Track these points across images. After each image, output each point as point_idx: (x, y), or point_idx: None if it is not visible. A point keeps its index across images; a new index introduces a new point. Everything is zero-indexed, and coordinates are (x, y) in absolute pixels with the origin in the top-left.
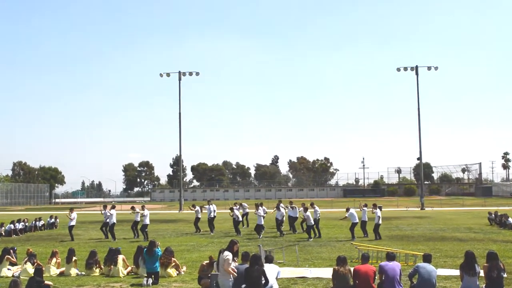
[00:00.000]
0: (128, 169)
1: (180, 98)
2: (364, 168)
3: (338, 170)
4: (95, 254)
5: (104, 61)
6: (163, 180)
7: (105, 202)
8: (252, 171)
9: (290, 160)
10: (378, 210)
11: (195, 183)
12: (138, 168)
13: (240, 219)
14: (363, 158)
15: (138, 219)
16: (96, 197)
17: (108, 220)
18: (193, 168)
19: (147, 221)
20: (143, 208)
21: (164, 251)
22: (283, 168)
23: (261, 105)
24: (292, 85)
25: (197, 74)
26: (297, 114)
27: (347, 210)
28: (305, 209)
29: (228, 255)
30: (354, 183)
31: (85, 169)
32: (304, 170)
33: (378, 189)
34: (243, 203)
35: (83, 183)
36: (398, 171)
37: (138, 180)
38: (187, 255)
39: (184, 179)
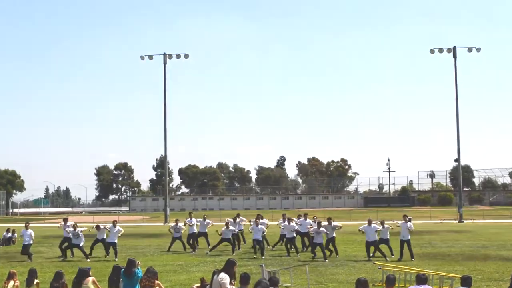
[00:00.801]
0: (101, 173)
1: (166, 87)
2: (389, 171)
3: (357, 174)
4: (61, 276)
5: (72, 43)
6: (145, 186)
7: (74, 213)
8: (253, 175)
9: (299, 162)
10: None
11: (184, 189)
12: (114, 171)
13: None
14: (388, 160)
15: (104, 236)
16: (63, 206)
17: (73, 239)
18: (181, 172)
19: (115, 239)
20: (114, 225)
21: (145, 272)
22: (291, 171)
23: (264, 97)
24: (302, 73)
25: (186, 56)
26: (308, 106)
27: (369, 223)
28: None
29: (224, 278)
30: (377, 190)
31: (50, 172)
32: (317, 174)
33: (406, 197)
34: (241, 218)
35: (47, 189)
36: (431, 175)
37: (114, 185)
38: (174, 276)
39: (170, 185)
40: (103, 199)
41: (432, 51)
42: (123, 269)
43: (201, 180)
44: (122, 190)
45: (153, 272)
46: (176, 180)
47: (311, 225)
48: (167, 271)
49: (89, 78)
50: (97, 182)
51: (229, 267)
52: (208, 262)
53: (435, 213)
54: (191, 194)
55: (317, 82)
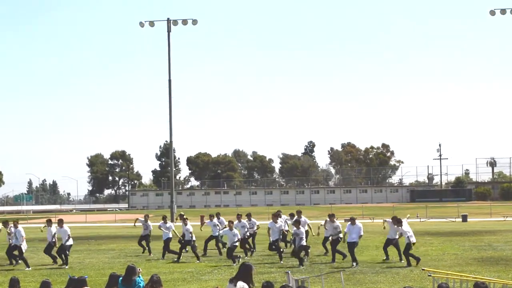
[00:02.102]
0: (95, 163)
1: (170, 60)
2: (440, 159)
3: (402, 162)
4: (48, 286)
5: (59, 8)
6: (147, 179)
7: (62, 211)
8: (277, 165)
9: (331, 149)
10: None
11: (193, 182)
12: (110, 161)
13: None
14: (440, 145)
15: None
16: (49, 203)
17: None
18: (190, 161)
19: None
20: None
21: (148, 280)
22: (322, 160)
23: (289, 70)
24: (334, 41)
25: (194, 22)
26: (342, 82)
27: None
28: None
29: (243, 287)
30: (427, 181)
31: (33, 163)
32: (353, 163)
33: (461, 190)
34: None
35: (29, 183)
36: (492, 163)
37: (110, 178)
38: (183, 286)
39: (177, 177)
40: (97, 195)
41: (492, 13)
42: (121, 278)
43: (214, 171)
44: (120, 183)
45: (157, 281)
46: (184, 171)
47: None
48: (174, 279)
49: (77, 49)
50: (89, 174)
51: (245, 272)
52: (223, 269)
53: (497, 209)
54: (202, 188)
55: (353, 53)
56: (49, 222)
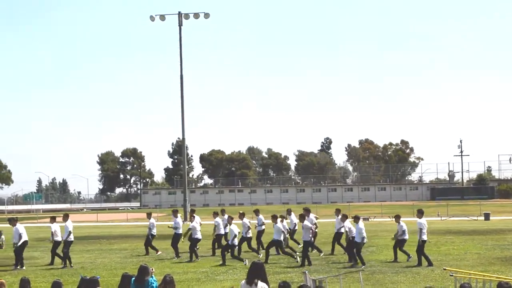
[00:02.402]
0: (105, 161)
1: (182, 55)
2: (462, 156)
3: (422, 159)
4: (60, 286)
5: (68, 3)
6: (159, 177)
7: (73, 210)
8: (292, 162)
9: (349, 145)
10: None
11: (207, 180)
12: (121, 159)
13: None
14: (461, 142)
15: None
16: (59, 202)
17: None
18: (203, 158)
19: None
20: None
21: (161, 281)
22: (339, 157)
23: (304, 65)
24: (350, 36)
25: (206, 16)
26: (359, 77)
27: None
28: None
29: (264, 287)
30: (447, 178)
31: (42, 161)
32: (371, 160)
33: (483, 187)
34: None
35: (39, 182)
36: None
37: (122, 176)
38: (197, 286)
39: (190, 175)
40: (109, 193)
41: None
42: (134, 278)
43: (228, 169)
44: (131, 181)
45: (170, 281)
46: (197, 169)
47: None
48: (188, 279)
49: (86, 44)
50: (100, 172)
51: (258, 271)
52: (238, 269)
53: None
54: (215, 186)
55: (369, 46)
56: (52, 219)
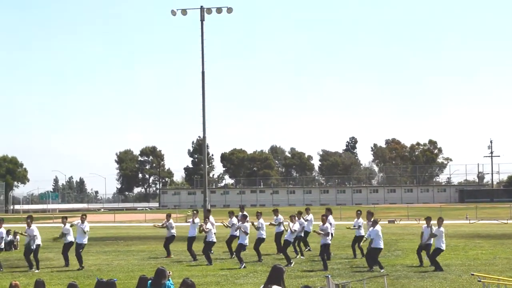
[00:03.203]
0: (124, 159)
1: (203, 50)
2: (492, 156)
3: (450, 160)
4: None
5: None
6: (178, 176)
7: (90, 210)
8: (316, 162)
9: (374, 145)
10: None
11: (228, 180)
12: (140, 158)
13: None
14: (491, 142)
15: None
16: (76, 202)
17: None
18: (224, 158)
19: (38, 242)
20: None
21: (181, 284)
22: (364, 157)
23: (329, 63)
24: (378, 35)
25: (229, 10)
26: (385, 75)
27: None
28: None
29: None
30: (477, 180)
31: (59, 160)
32: (397, 160)
33: None
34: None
35: (55, 181)
36: None
37: (140, 175)
38: None
39: (211, 175)
40: (127, 193)
41: None
42: (150, 281)
43: (250, 169)
44: (150, 181)
45: (190, 284)
46: (218, 168)
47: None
48: (207, 283)
49: (105, 41)
50: (118, 171)
51: (278, 276)
52: (259, 273)
53: None
54: (237, 186)
55: (397, 45)
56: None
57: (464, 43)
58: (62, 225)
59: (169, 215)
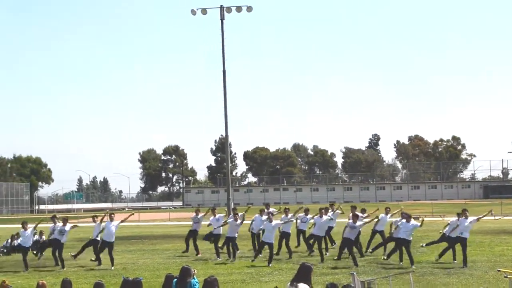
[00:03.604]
0: (147, 159)
1: (224, 49)
2: None
3: (474, 156)
4: None
5: None
6: (202, 175)
7: (114, 209)
8: (339, 159)
9: (398, 142)
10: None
11: (251, 178)
12: (163, 157)
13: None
14: None
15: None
16: (100, 202)
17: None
18: (247, 156)
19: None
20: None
21: (204, 283)
22: (388, 153)
23: (351, 60)
24: (398, 32)
25: (249, 9)
26: (408, 71)
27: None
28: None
29: None
30: (501, 176)
31: (83, 160)
32: (421, 157)
33: None
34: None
35: (80, 180)
36: None
37: (164, 175)
38: None
39: (234, 173)
40: (150, 192)
41: None
42: (175, 280)
43: (273, 167)
44: (174, 180)
45: (210, 282)
46: (241, 166)
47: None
48: (233, 281)
49: (126, 41)
50: (141, 170)
51: (305, 273)
52: (284, 270)
53: None
54: (260, 184)
55: (419, 41)
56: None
57: (488, 37)
58: (52, 224)
59: (198, 210)
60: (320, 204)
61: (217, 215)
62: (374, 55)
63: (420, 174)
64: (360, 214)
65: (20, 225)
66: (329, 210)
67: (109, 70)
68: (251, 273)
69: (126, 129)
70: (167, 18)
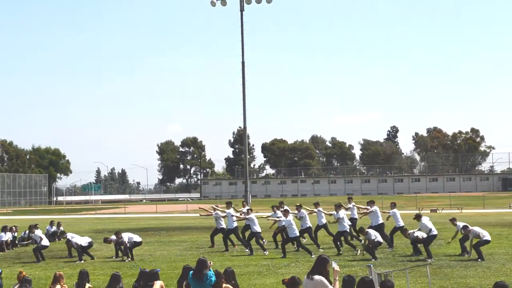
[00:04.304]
0: (165, 150)
1: (243, 41)
2: None
3: (493, 148)
4: (118, 280)
5: None
6: (220, 167)
7: (132, 201)
8: (357, 152)
9: (416, 134)
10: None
11: (269, 170)
12: (181, 149)
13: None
14: None
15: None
16: (118, 193)
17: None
18: (265, 148)
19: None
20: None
21: (219, 274)
22: (406, 146)
23: (369, 51)
24: (416, 22)
25: (269, 1)
26: (427, 62)
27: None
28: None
29: (321, 280)
30: None
31: (101, 151)
32: (439, 149)
33: None
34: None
35: (98, 172)
36: None
37: (182, 166)
38: (258, 280)
39: (252, 165)
40: (168, 184)
41: None
42: (191, 272)
43: (291, 159)
44: (191, 172)
45: (223, 273)
46: (259, 158)
47: None
48: (249, 273)
49: (145, 31)
50: (159, 162)
51: (321, 266)
52: (301, 263)
53: None
54: (278, 176)
55: (442, 27)
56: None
57: (507, 29)
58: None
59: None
60: (338, 197)
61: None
62: (392, 47)
63: (438, 167)
64: (347, 206)
65: (36, 217)
66: (348, 204)
67: (128, 62)
68: (267, 265)
69: (144, 121)
70: (187, 9)
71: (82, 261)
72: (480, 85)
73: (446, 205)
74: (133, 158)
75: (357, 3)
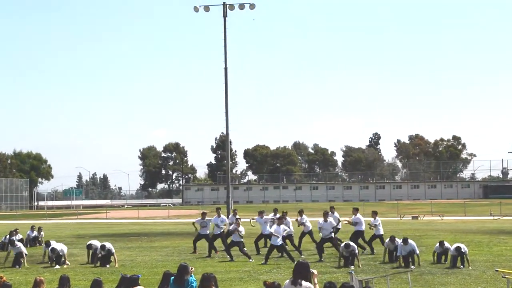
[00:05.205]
0: (147, 156)
1: (226, 47)
2: None
3: (474, 155)
4: (99, 285)
5: None
6: (202, 172)
7: (113, 206)
8: (339, 158)
9: (398, 141)
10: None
11: (251, 176)
12: (163, 154)
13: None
14: None
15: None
16: (100, 198)
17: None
18: (247, 154)
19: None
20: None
21: (201, 279)
22: (388, 152)
23: (352, 59)
24: (402, 30)
25: (252, 7)
26: (409, 69)
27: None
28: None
29: (309, 287)
30: (501, 176)
31: (83, 156)
32: (421, 156)
33: None
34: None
35: (79, 177)
36: None
37: (163, 172)
38: (240, 286)
39: (234, 171)
40: (150, 189)
41: None
42: (173, 277)
43: (273, 165)
44: (173, 177)
45: (207, 278)
46: (241, 164)
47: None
48: (231, 279)
49: (128, 38)
50: (141, 167)
51: (306, 270)
52: (282, 268)
53: None
54: (260, 182)
55: (420, 40)
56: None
57: (489, 37)
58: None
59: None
60: (319, 203)
61: (221, 216)
62: (375, 54)
63: (420, 174)
64: (331, 213)
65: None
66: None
67: (111, 67)
68: (248, 272)
69: (126, 126)
70: (169, 15)
71: (65, 266)
72: (462, 93)
73: (427, 212)
74: (115, 163)
75: (340, 10)
